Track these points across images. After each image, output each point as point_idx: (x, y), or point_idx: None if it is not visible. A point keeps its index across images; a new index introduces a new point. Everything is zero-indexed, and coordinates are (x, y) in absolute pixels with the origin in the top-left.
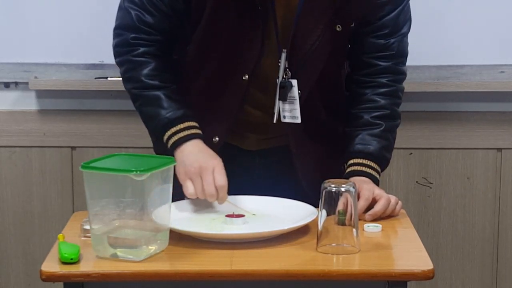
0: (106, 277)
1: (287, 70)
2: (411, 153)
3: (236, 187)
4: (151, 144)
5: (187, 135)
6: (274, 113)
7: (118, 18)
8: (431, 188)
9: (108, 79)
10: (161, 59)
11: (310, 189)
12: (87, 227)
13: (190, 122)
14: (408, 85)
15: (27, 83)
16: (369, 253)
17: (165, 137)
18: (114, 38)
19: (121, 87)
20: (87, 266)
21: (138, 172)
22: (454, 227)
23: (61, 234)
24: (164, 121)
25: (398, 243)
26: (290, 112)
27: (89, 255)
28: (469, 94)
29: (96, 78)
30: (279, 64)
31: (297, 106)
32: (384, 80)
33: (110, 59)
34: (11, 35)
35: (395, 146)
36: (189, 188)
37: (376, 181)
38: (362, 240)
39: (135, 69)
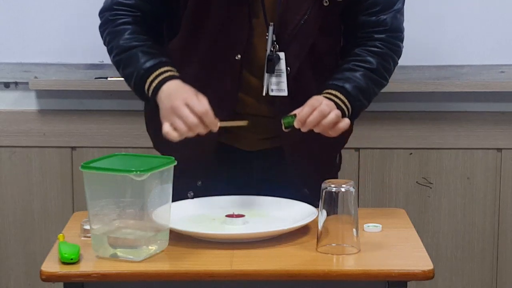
0: (106, 277)
1: (275, 43)
2: (411, 153)
3: (235, 188)
4: (151, 144)
5: (162, 79)
6: (263, 86)
7: (102, 4)
8: (431, 188)
9: (108, 79)
10: (139, 25)
11: (301, 181)
12: (87, 227)
13: (165, 67)
14: (408, 85)
15: (27, 83)
16: (369, 253)
17: (145, 89)
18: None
19: (121, 87)
20: (87, 266)
21: (138, 172)
22: (454, 227)
23: (61, 234)
24: (141, 73)
25: (398, 243)
26: (278, 85)
27: (89, 255)
28: (469, 94)
29: (96, 78)
30: (267, 37)
31: (284, 79)
32: (376, 43)
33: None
34: (11, 35)
35: (395, 146)
36: (165, 127)
37: (342, 113)
38: (362, 240)
39: (115, 38)
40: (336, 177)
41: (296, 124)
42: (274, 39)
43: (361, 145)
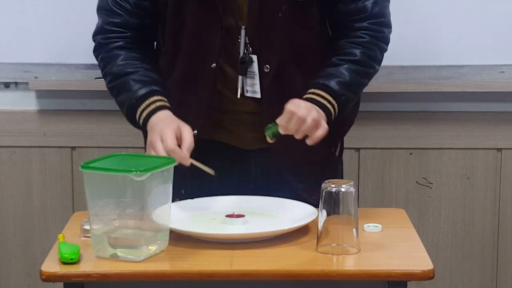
0: (106, 277)
1: (248, 46)
2: (411, 153)
3: (235, 187)
4: None
5: (151, 110)
6: (237, 88)
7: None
8: (431, 188)
9: None
10: (131, 49)
11: (294, 176)
12: (87, 227)
13: (155, 97)
14: (408, 85)
15: (27, 83)
16: (369, 253)
17: (137, 118)
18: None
19: None
20: (87, 266)
21: (138, 172)
22: (454, 227)
23: (61, 234)
24: (132, 102)
25: (398, 243)
26: (252, 87)
27: (89, 255)
28: (469, 94)
29: (96, 78)
30: (239, 40)
31: (257, 81)
32: (358, 33)
33: None
34: (11, 35)
35: (395, 146)
36: None
37: (326, 110)
38: (362, 240)
39: (108, 65)
40: (337, 169)
41: (282, 131)
42: (247, 41)
43: (361, 145)
